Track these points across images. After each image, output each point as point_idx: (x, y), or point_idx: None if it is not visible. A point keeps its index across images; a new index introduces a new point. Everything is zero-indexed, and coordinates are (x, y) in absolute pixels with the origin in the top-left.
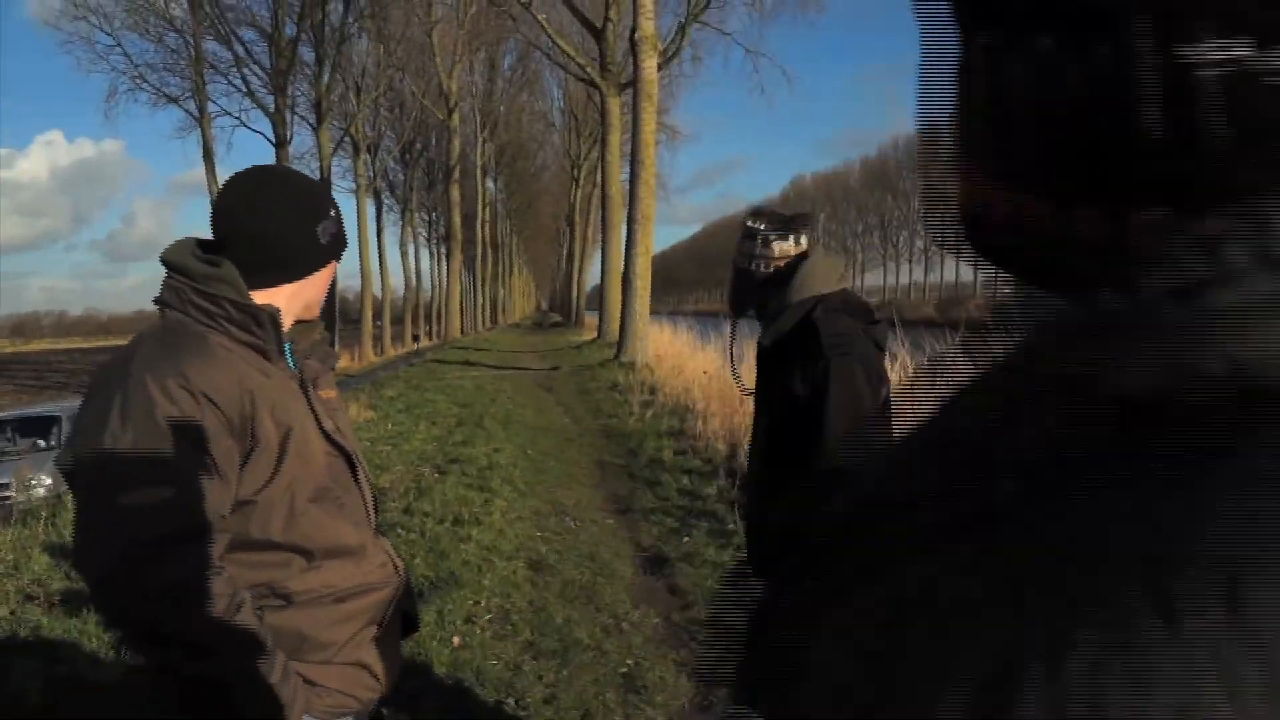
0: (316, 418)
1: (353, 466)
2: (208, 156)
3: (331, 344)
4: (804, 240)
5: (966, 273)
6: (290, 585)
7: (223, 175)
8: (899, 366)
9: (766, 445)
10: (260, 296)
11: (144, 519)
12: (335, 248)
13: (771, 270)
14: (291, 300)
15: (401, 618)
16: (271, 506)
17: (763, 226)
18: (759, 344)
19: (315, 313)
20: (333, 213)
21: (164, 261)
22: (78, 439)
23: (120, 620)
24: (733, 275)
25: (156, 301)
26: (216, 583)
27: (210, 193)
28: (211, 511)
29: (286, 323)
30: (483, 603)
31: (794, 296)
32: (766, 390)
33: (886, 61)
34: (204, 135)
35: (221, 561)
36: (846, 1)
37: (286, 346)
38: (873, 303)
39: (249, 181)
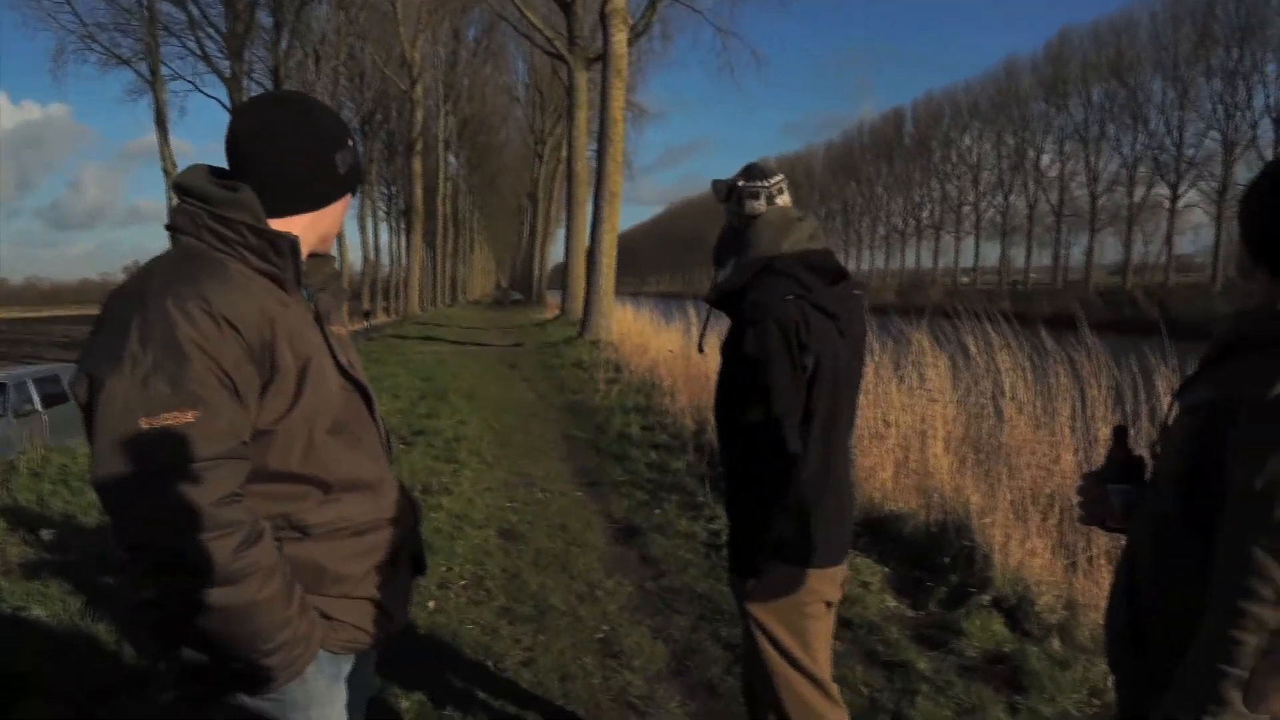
0: (332, 351)
1: (368, 401)
2: (160, 122)
3: (341, 280)
4: (779, 200)
5: (927, 259)
6: (307, 518)
7: (176, 142)
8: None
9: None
10: (276, 225)
11: (164, 443)
12: (353, 179)
13: (739, 226)
14: (307, 231)
15: (411, 558)
16: (290, 437)
17: (741, 183)
18: (706, 300)
19: (329, 246)
20: (350, 143)
21: (178, 186)
22: (94, 362)
23: (138, 547)
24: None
25: (169, 227)
26: (236, 511)
27: (163, 159)
28: (232, 438)
29: (302, 253)
30: (456, 569)
31: (745, 256)
32: (723, 347)
33: (856, 46)
34: (156, 99)
35: (241, 490)
36: None
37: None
38: None
39: (268, 106)
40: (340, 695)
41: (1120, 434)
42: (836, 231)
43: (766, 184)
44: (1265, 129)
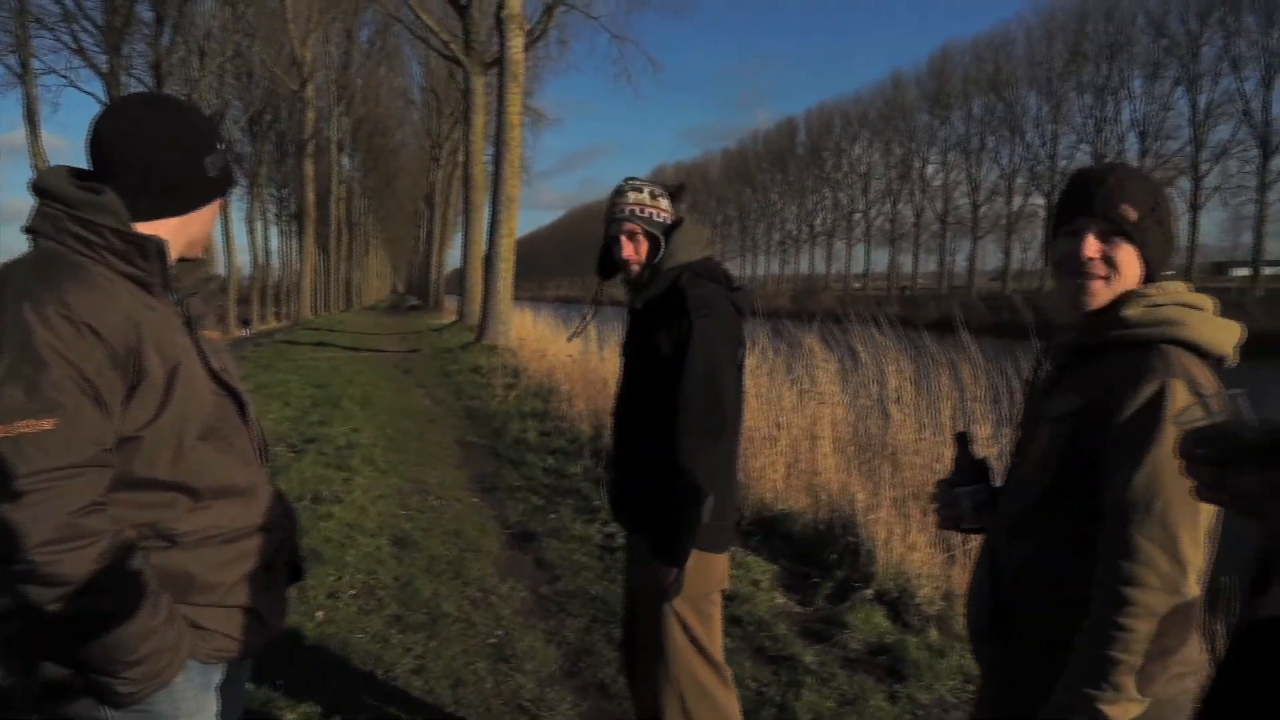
0: (203, 356)
1: (241, 407)
2: (30, 117)
3: (219, 284)
4: (675, 210)
5: (820, 265)
6: (175, 526)
7: (48, 137)
8: (756, 350)
9: (625, 401)
10: (142, 229)
11: (21, 452)
12: (223, 182)
13: (658, 220)
14: (175, 235)
15: (288, 565)
16: (157, 443)
17: (643, 184)
18: (631, 308)
19: (199, 250)
20: (221, 146)
21: (37, 188)
22: None
23: None
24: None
25: (27, 230)
26: (99, 520)
27: (33, 156)
28: (94, 445)
29: (170, 257)
30: (346, 578)
31: (665, 264)
32: (638, 349)
33: (751, 55)
34: (26, 94)
35: (104, 498)
36: None
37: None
38: None
39: (134, 106)
40: (210, 705)
41: (962, 440)
42: (733, 237)
43: (667, 194)
44: (1131, 142)
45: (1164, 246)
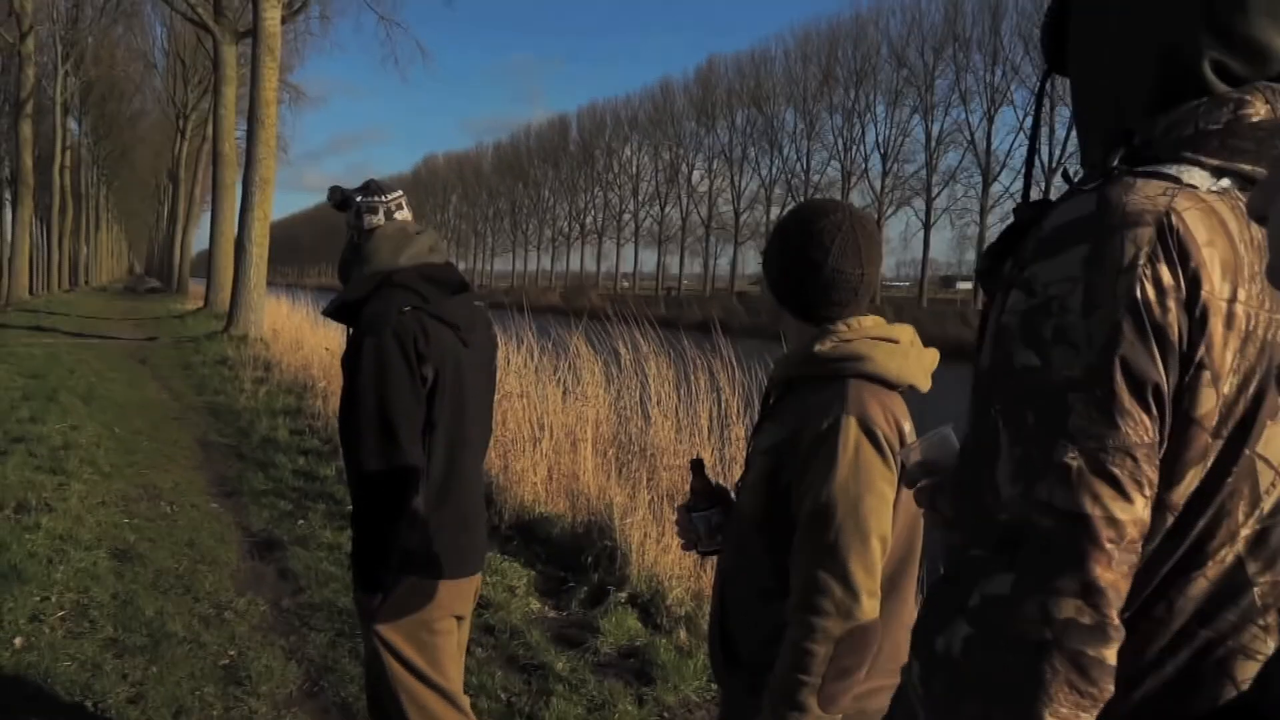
0: None
1: None
2: None
3: None
4: (398, 215)
5: (590, 263)
6: None
7: None
8: (524, 349)
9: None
10: None
11: None
12: None
13: (358, 241)
14: None
15: None
16: None
17: (359, 198)
18: (325, 314)
19: None
20: None
21: None
22: None
23: None
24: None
25: None
26: None
27: None
28: None
29: None
30: (53, 599)
31: (364, 270)
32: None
33: (531, 51)
34: None
35: None
36: None
37: None
38: (503, 288)
39: None
40: None
41: (698, 466)
42: (505, 232)
43: (384, 199)
44: (875, 162)
45: (785, 283)
